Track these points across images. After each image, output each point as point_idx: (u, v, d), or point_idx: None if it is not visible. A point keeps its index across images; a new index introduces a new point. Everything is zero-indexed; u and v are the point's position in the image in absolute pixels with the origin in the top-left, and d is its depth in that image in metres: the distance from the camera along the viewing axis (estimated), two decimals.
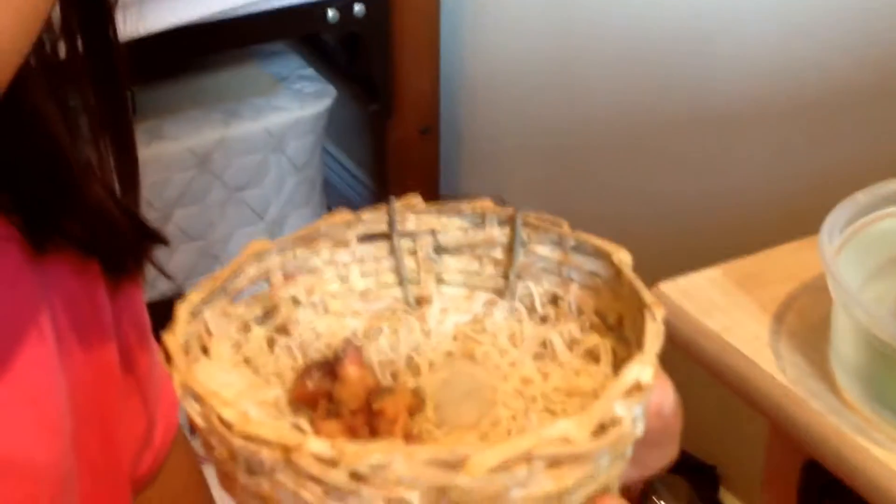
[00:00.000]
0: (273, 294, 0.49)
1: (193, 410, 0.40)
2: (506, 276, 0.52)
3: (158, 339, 0.64)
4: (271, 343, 0.49)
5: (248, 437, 0.38)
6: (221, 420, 0.39)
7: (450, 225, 0.52)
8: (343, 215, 0.51)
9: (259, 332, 0.48)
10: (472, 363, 0.49)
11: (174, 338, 0.43)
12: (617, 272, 0.48)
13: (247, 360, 0.47)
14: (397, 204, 0.51)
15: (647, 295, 0.46)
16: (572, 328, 0.50)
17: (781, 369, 0.76)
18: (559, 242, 0.51)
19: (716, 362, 0.79)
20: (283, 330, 0.49)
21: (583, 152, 1.78)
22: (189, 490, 0.70)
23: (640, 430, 0.42)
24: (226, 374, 0.45)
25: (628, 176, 1.69)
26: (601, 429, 0.39)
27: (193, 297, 0.45)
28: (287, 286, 0.49)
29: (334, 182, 2.40)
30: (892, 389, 0.72)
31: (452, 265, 0.52)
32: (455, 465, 0.37)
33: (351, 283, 0.51)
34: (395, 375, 0.49)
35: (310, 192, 1.99)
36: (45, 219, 0.54)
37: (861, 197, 0.78)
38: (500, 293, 0.52)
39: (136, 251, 0.58)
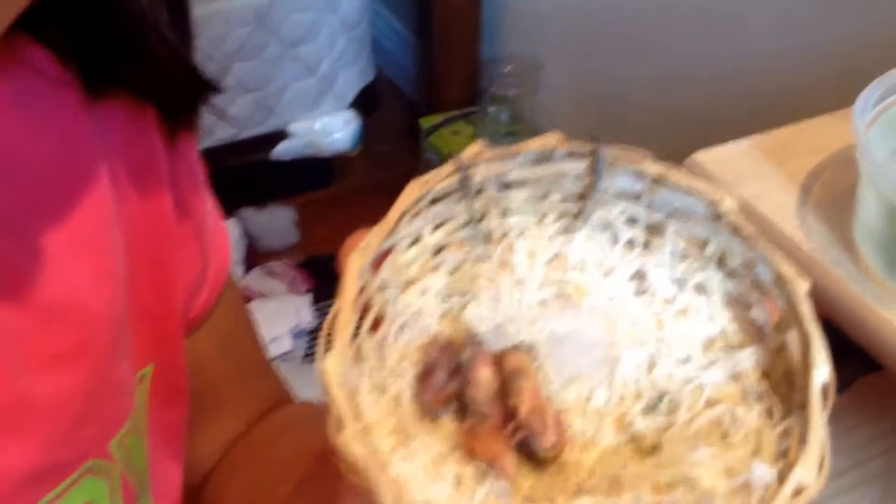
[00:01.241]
0: (366, 292, 0.42)
1: None
2: (579, 199, 0.46)
3: (213, 184, 0.62)
4: (378, 336, 0.42)
5: None
6: None
7: (517, 163, 0.45)
8: (416, 188, 0.43)
9: (368, 342, 0.42)
10: (573, 309, 0.44)
11: (352, 443, 0.35)
12: (715, 214, 0.43)
13: (379, 386, 0.41)
14: (464, 155, 0.44)
15: (781, 263, 0.41)
16: (666, 258, 0.44)
17: (806, 237, 0.73)
18: (640, 175, 0.44)
19: None
20: (380, 318, 0.43)
21: (620, 16, 1.72)
22: (238, 329, 0.68)
23: None
24: (408, 464, 0.38)
25: (663, 43, 1.64)
26: (820, 458, 0.36)
27: (333, 368, 0.37)
28: (375, 276, 0.42)
29: (383, 42, 2.35)
30: None
31: (518, 196, 0.46)
32: None
33: (425, 241, 0.45)
34: (500, 334, 0.44)
35: (359, 51, 1.96)
36: (102, 63, 0.51)
37: None
38: (573, 217, 0.46)
39: (190, 98, 0.55)
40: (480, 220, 0.45)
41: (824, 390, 0.38)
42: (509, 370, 0.41)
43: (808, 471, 0.36)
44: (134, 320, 0.55)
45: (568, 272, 0.45)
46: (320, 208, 2.10)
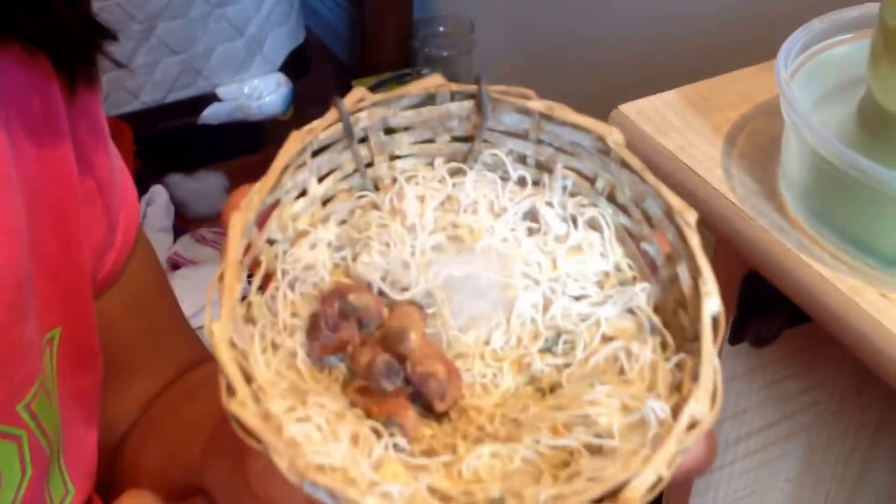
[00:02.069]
0: (253, 249, 0.40)
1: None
2: (466, 140, 0.45)
3: (140, 149, 0.61)
4: (268, 293, 0.41)
5: None
6: None
7: (400, 106, 0.45)
8: (299, 138, 0.42)
9: (258, 300, 0.41)
10: (467, 253, 0.43)
11: (244, 408, 0.35)
12: (603, 148, 0.43)
13: (273, 344, 0.40)
14: (346, 101, 0.43)
15: (670, 195, 0.41)
16: (556, 195, 0.44)
17: (731, 188, 0.73)
18: (526, 112, 0.44)
19: (670, 180, 0.76)
20: (270, 277, 0.41)
21: None
22: (151, 290, 0.67)
23: None
24: (304, 425, 0.37)
25: (594, 0, 1.64)
26: (713, 390, 0.36)
27: (221, 330, 0.36)
28: (261, 232, 0.41)
29: (313, 3, 2.33)
30: (835, 209, 0.69)
31: (405, 140, 0.45)
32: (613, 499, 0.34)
33: (312, 193, 0.44)
34: (393, 286, 0.43)
35: (288, 11, 1.94)
36: None
37: (818, 23, 0.75)
38: (462, 159, 0.45)
39: (84, 45, 0.53)
40: (368, 167, 0.45)
41: (714, 322, 0.38)
42: (391, 333, 0.40)
43: (701, 404, 0.36)
44: (39, 280, 0.53)
45: (460, 215, 0.44)
46: (251, 173, 2.01)
